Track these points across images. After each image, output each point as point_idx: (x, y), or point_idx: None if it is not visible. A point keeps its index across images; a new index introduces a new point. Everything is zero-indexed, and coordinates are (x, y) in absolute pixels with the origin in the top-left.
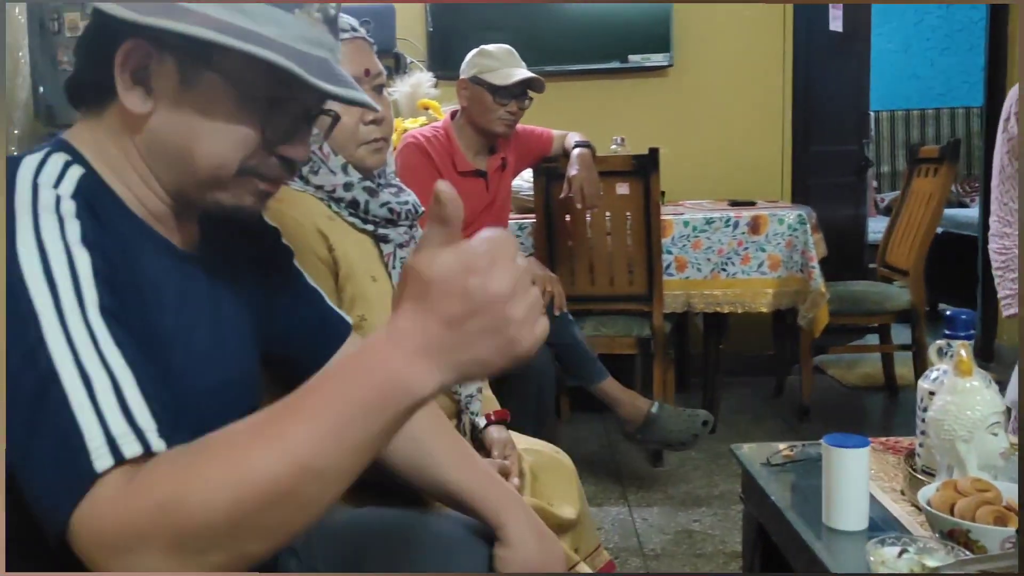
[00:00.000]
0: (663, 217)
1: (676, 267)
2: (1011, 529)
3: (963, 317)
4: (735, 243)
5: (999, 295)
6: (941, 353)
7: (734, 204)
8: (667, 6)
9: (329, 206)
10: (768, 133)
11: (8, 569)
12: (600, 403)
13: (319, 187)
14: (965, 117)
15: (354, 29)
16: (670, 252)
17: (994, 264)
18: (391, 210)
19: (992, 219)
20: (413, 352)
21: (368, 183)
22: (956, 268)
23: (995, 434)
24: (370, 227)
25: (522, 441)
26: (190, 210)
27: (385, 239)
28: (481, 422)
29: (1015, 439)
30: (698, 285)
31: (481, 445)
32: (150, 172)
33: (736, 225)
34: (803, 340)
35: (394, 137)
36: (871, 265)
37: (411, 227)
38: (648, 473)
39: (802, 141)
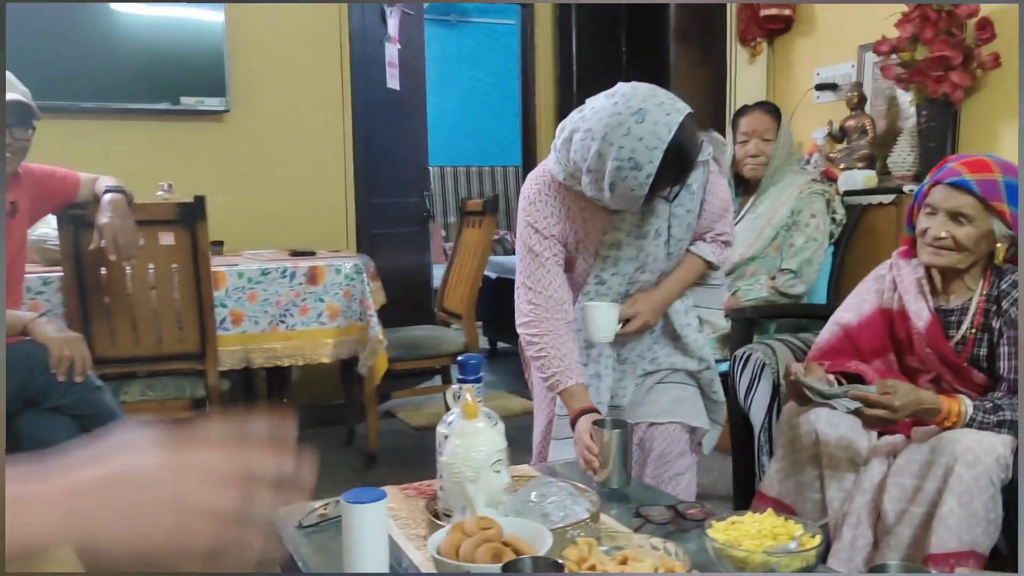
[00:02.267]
0: (215, 268)
1: (232, 321)
2: (497, 566)
3: (472, 362)
4: (293, 294)
5: (539, 375)
6: (455, 397)
7: (295, 254)
8: (220, 48)
9: None
10: (330, 183)
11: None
12: None
13: None
14: (515, 174)
15: None
16: (224, 305)
17: (527, 351)
18: None
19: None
20: None
21: None
22: (507, 310)
23: (498, 471)
24: None
25: None
26: None
27: None
28: None
29: (526, 468)
30: (256, 339)
31: None
32: None
33: (293, 276)
34: (367, 387)
35: None
36: (436, 309)
37: None
38: None
39: (365, 192)
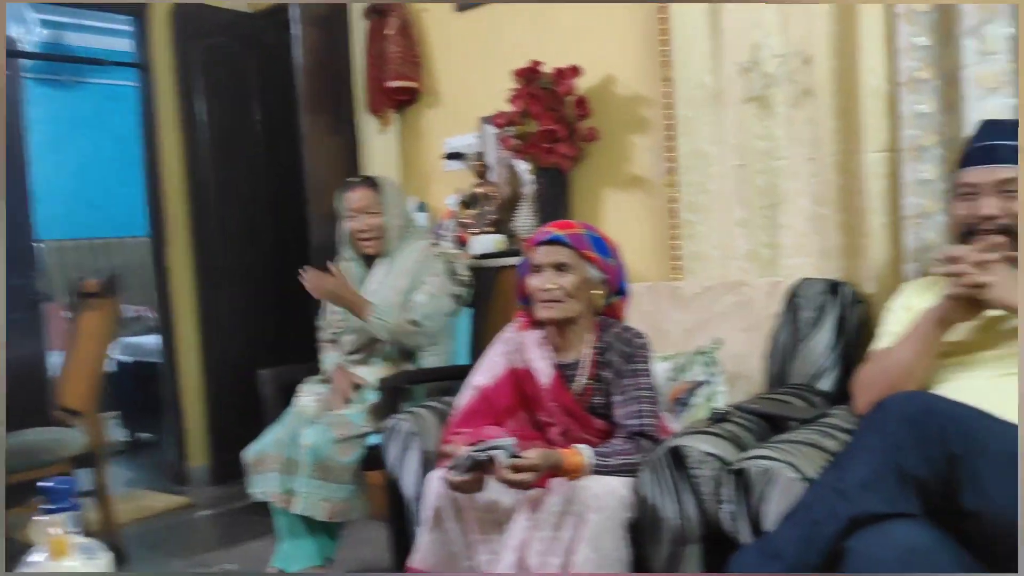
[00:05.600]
0: None
1: None
2: None
3: (62, 487)
4: None
5: None
6: (42, 531)
7: None
8: None
9: None
10: None
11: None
12: None
13: None
14: (143, 245)
15: None
16: None
17: None
18: None
19: None
20: None
21: None
22: (146, 395)
23: None
24: None
25: None
26: None
27: None
28: None
29: None
30: None
31: None
32: None
33: None
34: None
35: None
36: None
37: None
38: None
39: None
